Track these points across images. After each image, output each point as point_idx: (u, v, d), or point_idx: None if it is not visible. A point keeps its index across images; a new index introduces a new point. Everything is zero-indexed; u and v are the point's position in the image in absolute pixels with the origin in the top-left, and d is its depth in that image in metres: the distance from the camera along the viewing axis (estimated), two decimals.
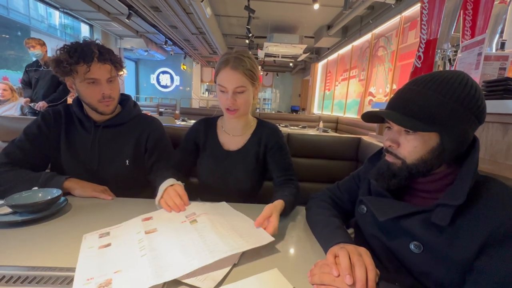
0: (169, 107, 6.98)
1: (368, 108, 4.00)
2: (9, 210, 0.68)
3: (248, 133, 0.99)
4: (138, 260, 0.53)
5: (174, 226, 0.66)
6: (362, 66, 4.42)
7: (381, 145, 1.22)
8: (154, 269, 0.50)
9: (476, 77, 0.89)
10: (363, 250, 0.50)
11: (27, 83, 3.00)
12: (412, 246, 0.53)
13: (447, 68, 1.15)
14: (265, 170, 1.01)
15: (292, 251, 0.62)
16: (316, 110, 7.42)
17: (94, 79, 0.89)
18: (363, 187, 0.71)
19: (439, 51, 1.14)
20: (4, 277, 0.47)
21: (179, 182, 0.82)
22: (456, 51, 1.11)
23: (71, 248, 0.57)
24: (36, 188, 0.78)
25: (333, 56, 6.11)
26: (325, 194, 0.80)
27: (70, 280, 0.48)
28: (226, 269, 0.52)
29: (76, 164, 0.95)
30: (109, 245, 0.58)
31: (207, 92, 11.05)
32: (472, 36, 1.10)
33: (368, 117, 0.62)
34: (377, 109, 0.62)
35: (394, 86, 3.35)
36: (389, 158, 0.59)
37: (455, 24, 1.13)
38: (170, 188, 0.78)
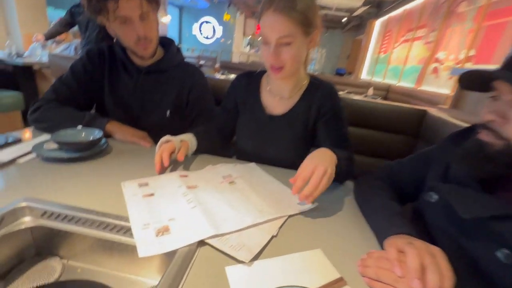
0: (210, 60, 6.86)
1: (431, 78, 3.47)
2: (55, 145, 0.70)
3: (298, 94, 0.83)
4: (190, 211, 0.51)
5: (214, 185, 0.64)
6: (433, 26, 3.71)
7: (454, 121, 1.01)
8: (208, 220, 0.48)
9: None
10: (437, 250, 0.40)
11: (66, 24, 2.83)
12: (499, 254, 0.41)
13: None
14: (314, 139, 0.87)
15: (337, 232, 0.54)
16: (364, 75, 6.72)
17: (125, 18, 0.79)
18: (435, 171, 0.57)
19: None
20: (45, 212, 0.48)
21: (178, 139, 0.71)
22: None
23: (108, 193, 0.56)
24: (80, 127, 0.78)
25: (398, 11, 5.21)
26: (382, 171, 0.68)
27: (106, 225, 0.47)
28: (264, 241, 0.47)
29: (118, 109, 0.94)
30: (152, 195, 0.56)
31: (248, 47, 10.58)
32: None
33: (470, 80, 0.46)
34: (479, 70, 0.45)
35: (472, 52, 2.77)
36: (485, 136, 0.44)
37: None
38: (164, 144, 0.69)
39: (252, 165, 0.79)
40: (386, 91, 4.07)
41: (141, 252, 0.40)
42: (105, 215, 0.48)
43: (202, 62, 6.25)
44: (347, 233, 0.53)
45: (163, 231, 0.45)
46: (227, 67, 4.59)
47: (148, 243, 0.42)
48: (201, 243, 0.44)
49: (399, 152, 1.13)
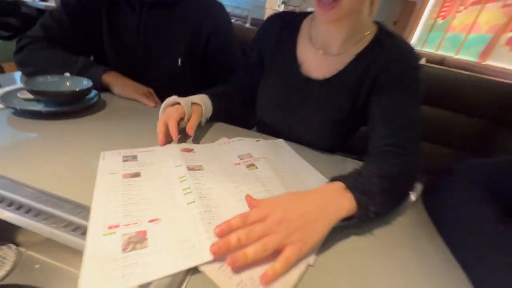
0: (240, 18, 6.36)
1: (502, 51, 2.87)
2: (31, 95, 0.54)
3: (353, 51, 0.55)
4: (183, 210, 0.34)
5: (226, 167, 0.46)
6: None
7: None
8: (208, 232, 0.31)
9: None
10: None
11: None
12: None
13: None
14: (362, 122, 0.61)
15: (403, 263, 0.34)
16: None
17: None
18: None
19: None
20: None
21: (188, 102, 0.53)
22: None
23: (81, 168, 0.40)
24: (68, 74, 0.62)
25: None
26: (476, 171, 0.45)
27: (56, 220, 0.32)
28: (294, 275, 0.29)
29: (119, 55, 0.77)
30: (137, 175, 0.40)
31: (283, 5, 9.69)
32: None
33: None
34: None
35: None
36: None
37: None
38: (170, 108, 0.52)
39: (280, 142, 0.60)
40: (439, 65, 3.49)
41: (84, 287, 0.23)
42: (58, 204, 0.32)
43: (232, 20, 5.81)
44: (421, 275, 0.34)
45: (136, 242, 0.28)
46: (257, 25, 4.17)
47: (102, 266, 0.25)
48: (194, 269, 0.28)
49: (475, 141, 0.86)
